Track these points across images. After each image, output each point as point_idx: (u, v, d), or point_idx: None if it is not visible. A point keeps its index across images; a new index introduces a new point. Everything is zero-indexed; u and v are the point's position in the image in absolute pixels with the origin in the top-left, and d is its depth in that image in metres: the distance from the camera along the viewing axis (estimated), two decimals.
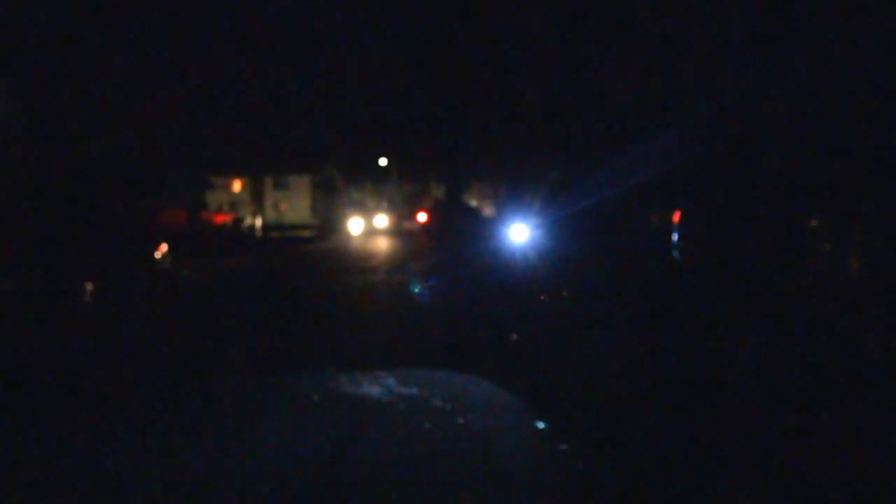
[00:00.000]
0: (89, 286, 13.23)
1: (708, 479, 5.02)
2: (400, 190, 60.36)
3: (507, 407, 6.78)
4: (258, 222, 39.11)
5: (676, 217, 15.49)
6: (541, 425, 6.20)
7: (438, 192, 58.86)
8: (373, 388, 7.30)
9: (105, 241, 15.04)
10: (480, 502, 4.70)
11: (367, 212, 48.09)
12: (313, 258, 25.20)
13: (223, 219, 37.16)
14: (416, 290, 9.26)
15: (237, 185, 53.59)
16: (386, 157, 58.71)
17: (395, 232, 43.20)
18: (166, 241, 17.73)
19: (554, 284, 15.58)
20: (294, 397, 7.13)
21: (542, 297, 13.97)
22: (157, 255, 17.16)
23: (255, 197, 54.50)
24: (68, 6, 21.96)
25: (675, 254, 15.50)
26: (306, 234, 42.47)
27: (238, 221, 38.07)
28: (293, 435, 5.92)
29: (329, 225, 45.22)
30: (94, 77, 21.75)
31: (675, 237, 15.46)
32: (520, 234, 22.58)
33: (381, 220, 46.30)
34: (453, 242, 26.59)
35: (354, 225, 42.26)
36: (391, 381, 7.52)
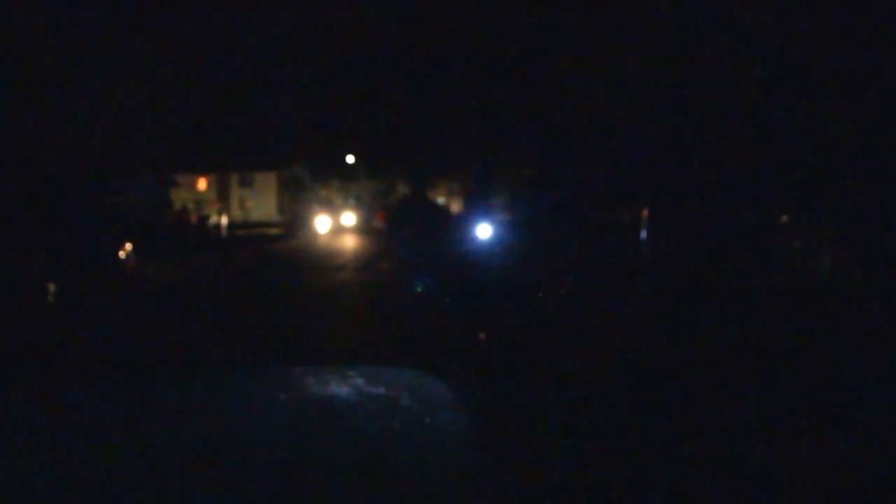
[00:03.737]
0: (52, 286, 13.06)
1: (680, 477, 5.07)
2: (367, 187, 60.21)
3: (474, 406, 6.79)
4: (224, 220, 38.82)
5: (645, 214, 15.60)
6: (508, 424, 6.17)
7: (406, 189, 58.77)
8: (339, 387, 7.24)
9: (68, 241, 14.85)
10: (450, 502, 4.70)
11: (334, 210, 47.84)
12: (280, 256, 25.08)
13: (189, 218, 36.89)
14: (419, 289, 9.22)
15: (202, 183, 53.13)
16: (353, 154, 58.56)
17: (362, 230, 43.10)
18: (130, 241, 17.57)
19: (524, 283, 15.62)
20: (257, 396, 7.03)
21: (540, 295, 14.00)
22: (122, 254, 16.99)
23: (221, 195, 54.03)
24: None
25: (644, 251, 15.61)
26: (273, 231, 42.21)
27: (203, 219, 37.74)
28: (256, 436, 5.86)
29: (296, 223, 44.96)
30: (58, 74, 21.44)
31: (643, 235, 15.56)
32: (487, 231, 22.58)
33: (349, 218, 46.13)
34: (412, 242, 26.61)
35: (321, 223, 42.05)
36: (359, 380, 7.47)
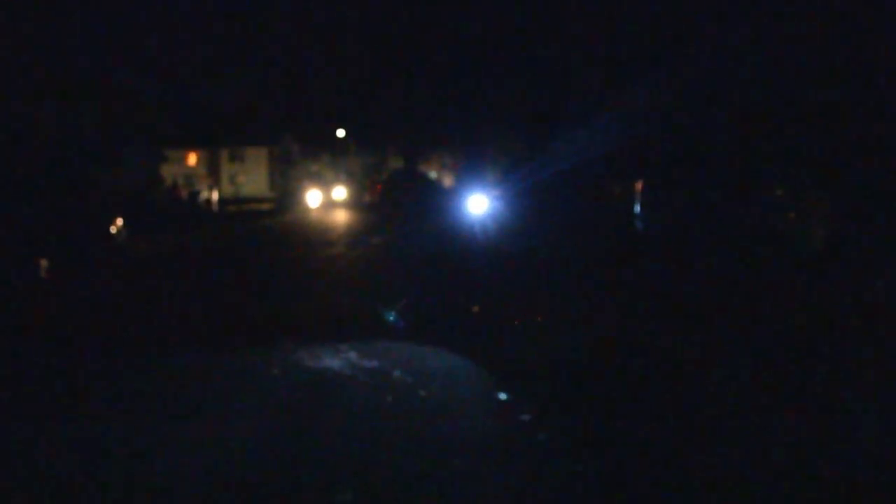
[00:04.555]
0: (44, 262, 13.01)
1: (669, 448, 5.09)
2: (358, 161, 59.94)
3: (468, 379, 6.80)
4: (215, 196, 38.62)
5: (639, 187, 15.60)
6: (503, 396, 6.22)
7: (397, 163, 58.62)
8: (334, 361, 7.26)
9: (59, 217, 14.77)
10: (445, 472, 4.72)
11: (325, 184, 47.55)
12: (271, 232, 24.99)
13: (180, 193, 36.70)
14: (392, 319, 9.20)
15: (192, 159, 52.78)
16: (344, 128, 58.24)
17: (353, 204, 42.99)
18: (121, 216, 17.48)
19: (515, 256, 15.62)
20: (253, 372, 7.06)
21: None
22: (113, 229, 16.91)
23: (212, 170, 53.70)
24: None
25: (638, 224, 15.62)
26: (264, 207, 42.06)
27: (194, 195, 37.56)
28: (253, 410, 5.87)
29: (287, 198, 44.78)
30: (49, 51, 21.27)
31: (637, 207, 15.57)
32: (480, 205, 22.53)
33: (340, 193, 45.92)
34: (407, 216, 26.48)
35: (312, 198, 41.87)
36: (352, 354, 7.49)
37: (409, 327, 9.02)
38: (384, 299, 10.29)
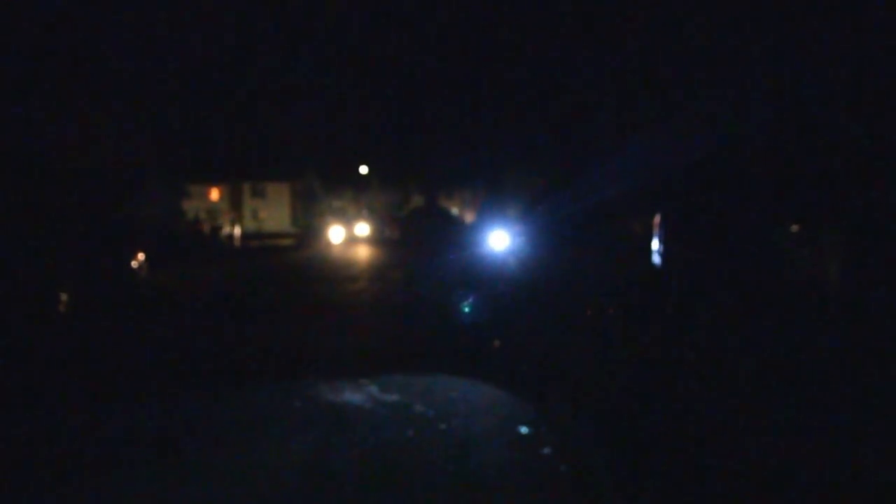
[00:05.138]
0: (64, 296, 13.02)
1: (696, 477, 4.99)
2: (381, 198, 60.26)
3: (489, 412, 6.76)
4: (237, 231, 38.83)
5: (657, 221, 15.48)
6: (524, 430, 6.16)
7: (419, 200, 58.85)
8: (354, 395, 7.23)
9: (80, 250, 14.82)
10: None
11: (347, 220, 47.74)
12: (293, 267, 25.04)
13: (202, 227, 36.92)
14: (466, 310, 9.22)
15: (215, 194, 53.23)
16: (366, 164, 58.65)
17: (376, 240, 43.11)
18: (143, 250, 17.51)
19: (535, 291, 15.52)
20: (275, 406, 7.06)
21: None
22: (134, 263, 16.94)
23: (234, 205, 54.13)
24: (45, 8, 21.76)
25: (656, 259, 15.47)
26: (286, 242, 42.22)
27: (216, 230, 37.78)
28: (273, 444, 5.87)
29: (309, 233, 44.98)
30: (71, 83, 21.54)
31: (655, 242, 15.44)
32: (500, 240, 22.48)
33: (362, 229, 46.06)
34: (428, 251, 26.51)
35: (335, 233, 42.02)
36: (373, 388, 7.45)
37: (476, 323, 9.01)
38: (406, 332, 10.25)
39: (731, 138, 14.56)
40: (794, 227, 12.63)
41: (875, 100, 12.04)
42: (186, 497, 4.84)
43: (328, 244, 38.76)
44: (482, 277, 18.56)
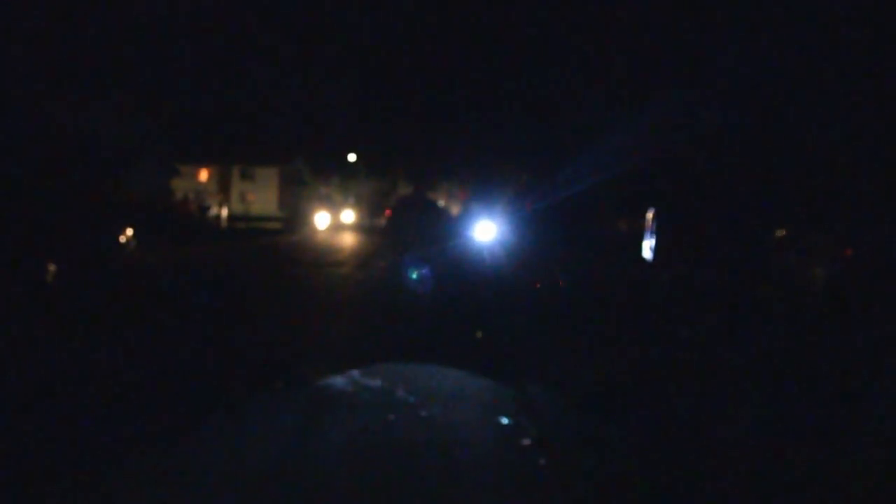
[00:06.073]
0: (52, 267, 13.07)
1: (678, 473, 5.12)
2: (367, 186, 60.28)
3: (470, 402, 6.78)
4: (224, 212, 38.76)
5: (649, 218, 15.70)
6: (504, 420, 6.22)
7: (405, 189, 58.91)
8: (336, 379, 7.27)
9: (69, 222, 14.85)
10: (443, 496, 4.75)
11: (334, 207, 47.77)
12: (279, 250, 25.04)
13: (190, 207, 36.82)
14: (414, 277, 9.38)
15: (203, 174, 53.06)
16: (355, 152, 58.62)
17: (362, 227, 43.18)
18: (131, 226, 17.57)
19: (520, 283, 15.69)
20: (255, 389, 7.08)
21: (536, 286, 14.10)
22: (123, 238, 17.00)
23: (222, 187, 53.97)
24: None
25: (647, 255, 15.71)
26: (272, 226, 42.17)
27: (204, 210, 37.70)
28: (253, 427, 5.92)
29: (296, 218, 44.96)
30: (64, 59, 21.51)
31: (648, 239, 15.66)
32: (486, 232, 22.68)
33: (348, 216, 46.17)
34: (414, 240, 26.57)
35: (321, 219, 42.08)
36: (355, 372, 7.51)
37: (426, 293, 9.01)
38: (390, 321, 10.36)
39: (721, 136, 14.79)
40: (780, 233, 12.90)
41: (862, 110, 12.28)
42: (163, 477, 4.94)
43: (314, 229, 38.78)
44: (466, 269, 18.72)
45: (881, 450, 5.70)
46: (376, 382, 7.18)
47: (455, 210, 48.68)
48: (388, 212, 39.61)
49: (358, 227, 43.00)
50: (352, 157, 59.04)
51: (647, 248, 15.76)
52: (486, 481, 4.98)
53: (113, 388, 6.86)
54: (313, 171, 60.06)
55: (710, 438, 5.91)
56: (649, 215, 15.76)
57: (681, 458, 5.48)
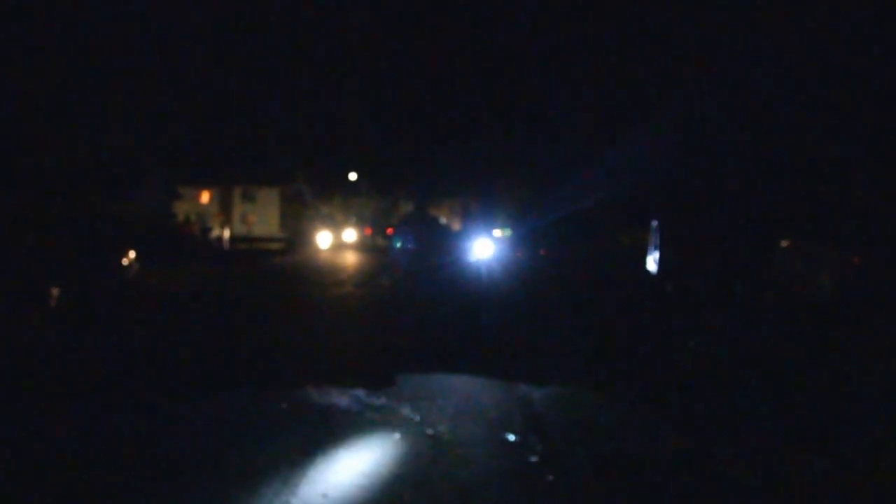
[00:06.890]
0: (55, 290, 13.08)
1: (682, 479, 5.11)
2: (369, 205, 60.39)
3: (476, 418, 6.74)
4: (226, 234, 38.83)
5: (652, 230, 15.72)
6: (511, 437, 6.19)
7: (407, 207, 58.98)
8: (341, 398, 7.25)
9: (72, 246, 14.87)
10: None
11: (335, 226, 47.87)
12: (281, 271, 25.06)
13: (192, 229, 36.88)
14: (398, 246, 9.47)
15: (205, 196, 53.23)
16: (356, 172, 58.73)
17: (364, 246, 43.23)
18: (134, 248, 17.59)
19: (522, 296, 15.70)
20: (261, 409, 7.05)
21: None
22: (125, 261, 17.02)
23: (224, 208, 54.17)
24: (46, 10, 21.88)
25: (652, 266, 15.71)
26: (274, 246, 42.21)
27: (206, 232, 37.75)
28: (259, 446, 5.88)
29: (297, 238, 45.07)
30: (68, 83, 21.63)
31: (652, 251, 15.67)
32: (486, 248, 22.73)
33: (350, 235, 46.27)
34: (419, 256, 26.59)
35: (323, 239, 42.19)
36: (360, 391, 7.49)
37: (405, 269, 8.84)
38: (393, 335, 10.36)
39: (724, 153, 14.84)
40: (784, 243, 12.91)
41: (869, 123, 12.32)
42: (170, 499, 4.92)
43: (316, 249, 38.83)
44: (469, 283, 18.76)
45: (887, 454, 5.69)
46: (381, 400, 7.16)
47: (457, 227, 48.75)
48: (389, 230, 39.66)
49: (360, 247, 43.04)
50: (353, 176, 59.19)
51: (652, 261, 15.77)
52: (493, 499, 4.95)
53: (117, 409, 6.85)
54: (315, 190, 60.21)
55: (718, 449, 5.89)
56: (652, 227, 15.78)
57: (689, 477, 5.46)
